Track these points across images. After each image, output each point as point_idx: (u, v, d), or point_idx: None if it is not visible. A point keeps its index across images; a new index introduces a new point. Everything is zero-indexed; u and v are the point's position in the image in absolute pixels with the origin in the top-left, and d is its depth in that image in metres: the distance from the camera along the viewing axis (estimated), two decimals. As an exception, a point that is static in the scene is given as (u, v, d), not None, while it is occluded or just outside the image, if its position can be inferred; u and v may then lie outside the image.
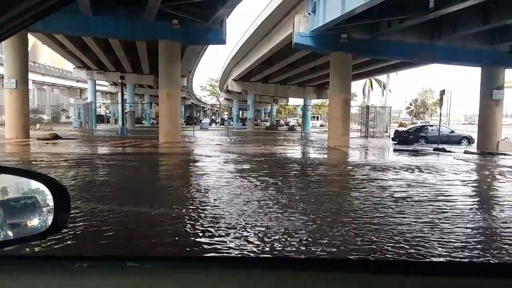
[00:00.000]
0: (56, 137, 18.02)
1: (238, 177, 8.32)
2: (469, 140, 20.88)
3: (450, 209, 5.60)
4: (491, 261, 3.61)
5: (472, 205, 6.26)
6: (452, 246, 3.89)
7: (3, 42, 17.54)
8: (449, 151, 15.87)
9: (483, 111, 18.43)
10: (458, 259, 3.59)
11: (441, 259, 3.55)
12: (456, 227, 4.60)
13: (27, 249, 3.06)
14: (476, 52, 16.76)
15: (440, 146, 17.33)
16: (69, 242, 3.66)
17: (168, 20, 15.89)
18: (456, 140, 20.89)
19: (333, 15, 13.28)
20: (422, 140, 20.64)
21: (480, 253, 3.78)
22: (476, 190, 7.92)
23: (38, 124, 27.77)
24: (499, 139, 18.16)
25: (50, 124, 29.37)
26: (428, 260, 3.48)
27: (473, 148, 18.24)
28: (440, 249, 3.79)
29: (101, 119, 43.32)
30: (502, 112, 19.36)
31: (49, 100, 47.63)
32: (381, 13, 13.83)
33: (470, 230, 4.59)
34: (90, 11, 15.07)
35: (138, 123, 41.77)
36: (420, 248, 3.81)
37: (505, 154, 15.26)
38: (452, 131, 22.35)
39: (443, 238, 4.13)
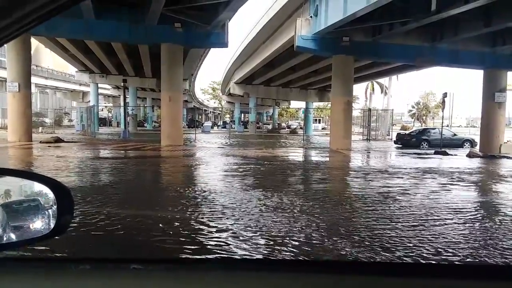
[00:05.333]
0: (58, 140, 18.04)
1: (243, 183, 8.30)
2: (472, 143, 20.79)
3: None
4: (493, 264, 3.59)
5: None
6: None
7: (6, 46, 17.60)
8: (451, 154, 15.81)
9: (486, 113, 18.39)
10: (460, 262, 3.57)
11: (442, 262, 3.53)
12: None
13: (30, 252, 3.06)
14: (478, 54, 16.75)
15: (442, 149, 17.27)
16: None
17: (171, 23, 15.93)
18: (459, 143, 20.81)
19: (335, 18, 13.31)
20: (424, 143, 20.55)
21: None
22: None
23: (40, 127, 27.85)
24: (501, 141, 18.11)
25: (53, 127, 29.46)
26: (428, 262, 3.46)
27: (476, 151, 18.14)
28: None
29: (103, 122, 43.44)
30: (505, 115, 19.31)
31: (52, 103, 47.77)
32: (383, 16, 13.83)
33: None
34: (93, 15, 15.13)
35: (140, 126, 41.84)
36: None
37: (508, 157, 15.19)
38: (455, 134, 22.29)
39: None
